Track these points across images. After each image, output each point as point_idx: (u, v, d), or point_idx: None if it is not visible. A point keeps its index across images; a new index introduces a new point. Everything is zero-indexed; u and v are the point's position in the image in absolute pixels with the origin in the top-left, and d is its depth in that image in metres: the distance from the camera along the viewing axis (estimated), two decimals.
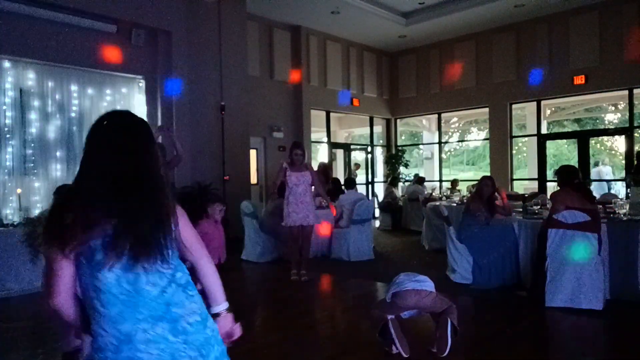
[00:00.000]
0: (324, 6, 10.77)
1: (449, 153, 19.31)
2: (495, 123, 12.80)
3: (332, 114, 13.33)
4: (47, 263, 1.46)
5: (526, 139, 14.54)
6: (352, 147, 15.33)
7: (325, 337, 4.21)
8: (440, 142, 14.88)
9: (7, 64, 6.98)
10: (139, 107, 8.34)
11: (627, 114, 11.29)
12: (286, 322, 4.56)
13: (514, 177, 12.99)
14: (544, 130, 12.66)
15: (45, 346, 3.82)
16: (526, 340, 3.93)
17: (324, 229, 7.16)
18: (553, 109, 14.90)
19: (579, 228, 4.54)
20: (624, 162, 12.12)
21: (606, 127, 16.40)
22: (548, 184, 11.97)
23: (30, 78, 7.20)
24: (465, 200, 7.22)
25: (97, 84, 7.87)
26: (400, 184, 13.83)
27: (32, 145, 7.22)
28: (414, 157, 17.40)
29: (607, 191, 11.05)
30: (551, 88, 11.72)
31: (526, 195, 9.02)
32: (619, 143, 15.86)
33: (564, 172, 4.97)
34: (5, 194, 6.90)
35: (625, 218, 5.14)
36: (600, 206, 5.40)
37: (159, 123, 8.25)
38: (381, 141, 15.25)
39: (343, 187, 8.80)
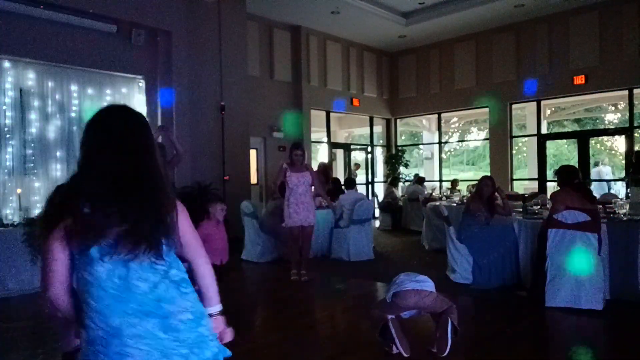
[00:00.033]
0: (324, 6, 10.77)
1: (449, 153, 19.32)
2: (495, 123, 12.80)
3: (332, 114, 13.33)
4: (42, 255, 1.47)
5: (526, 139, 14.54)
6: (352, 147, 15.33)
7: (325, 337, 4.21)
8: (440, 142, 14.89)
9: (7, 64, 6.97)
10: (139, 107, 8.33)
11: (627, 114, 11.29)
12: (286, 322, 4.56)
13: (514, 177, 12.99)
14: (544, 130, 12.65)
15: (45, 346, 3.82)
16: (526, 340, 3.93)
17: None
18: (553, 109, 14.90)
19: (579, 228, 4.54)
20: (624, 162, 12.13)
21: (606, 127, 16.39)
22: (548, 184, 11.97)
23: (30, 78, 7.20)
24: (465, 200, 7.22)
25: (97, 84, 7.87)
26: (401, 184, 13.83)
27: (32, 145, 7.21)
28: (414, 157, 17.40)
29: (607, 191, 11.05)
30: (551, 88, 11.73)
31: (526, 195, 9.02)
32: (619, 143, 15.86)
33: (564, 172, 4.97)
34: (5, 194, 6.90)
35: (625, 218, 5.15)
36: (600, 206, 5.40)
37: (159, 123, 8.25)
38: (381, 141, 15.25)
39: (343, 187, 8.81)
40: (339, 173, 14.03)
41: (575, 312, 4.46)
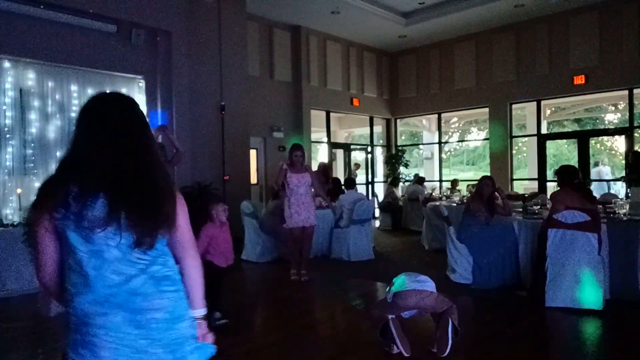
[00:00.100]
0: (324, 6, 10.77)
1: (449, 153, 19.31)
2: (495, 123, 12.80)
3: (332, 114, 13.34)
4: (33, 238, 1.47)
5: (526, 139, 14.54)
6: (352, 147, 15.33)
7: (325, 337, 4.21)
8: (440, 142, 14.89)
9: (7, 64, 6.97)
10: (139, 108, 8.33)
11: (627, 114, 11.30)
12: (286, 322, 4.56)
13: (514, 177, 13.00)
14: (544, 130, 12.66)
15: (45, 346, 3.82)
16: (526, 340, 3.93)
17: None
18: (553, 109, 14.90)
19: (579, 228, 4.54)
20: (623, 162, 12.12)
21: (606, 127, 16.39)
22: (548, 184, 11.98)
23: (30, 78, 7.19)
24: (465, 200, 7.22)
25: (97, 84, 7.86)
26: (401, 184, 13.83)
27: (32, 145, 7.21)
28: (414, 157, 17.40)
29: (607, 191, 11.05)
30: (551, 88, 11.73)
31: (526, 195, 9.02)
32: (619, 143, 15.86)
33: (564, 172, 4.97)
34: (5, 194, 6.90)
35: (625, 218, 5.15)
36: (600, 206, 5.41)
37: (159, 123, 8.24)
38: (381, 141, 15.25)
39: (343, 187, 8.81)
40: (339, 173, 14.04)
41: (575, 312, 4.46)
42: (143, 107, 8.39)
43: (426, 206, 8.57)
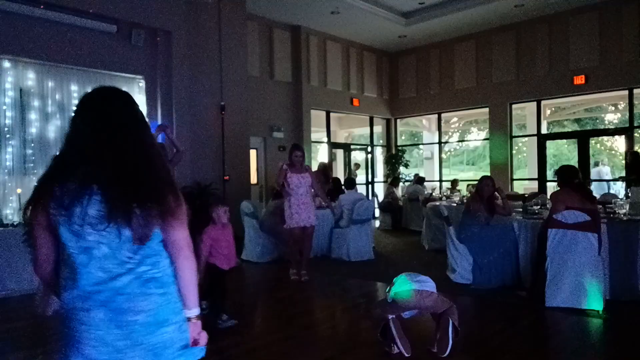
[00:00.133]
0: (324, 6, 10.77)
1: (449, 153, 19.31)
2: (495, 123, 12.80)
3: (332, 114, 13.34)
4: (30, 233, 1.49)
5: (526, 139, 14.54)
6: (352, 147, 15.33)
7: (325, 337, 4.21)
8: (440, 142, 14.89)
9: (7, 64, 6.97)
10: (139, 107, 8.33)
11: (627, 114, 11.30)
12: (286, 322, 4.56)
13: (514, 177, 13.00)
14: (544, 130, 12.66)
15: (46, 346, 3.82)
16: (526, 340, 3.93)
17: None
18: (553, 109, 14.90)
19: (579, 228, 4.54)
20: (624, 162, 12.11)
21: (606, 127, 16.39)
22: (548, 184, 11.98)
23: (30, 78, 7.20)
24: (465, 200, 7.22)
25: (97, 84, 7.74)
26: (401, 184, 13.84)
27: (32, 145, 7.21)
28: (414, 157, 17.40)
29: (607, 191, 11.06)
30: (551, 88, 11.73)
31: (526, 195, 9.02)
32: (619, 143, 15.86)
33: (564, 172, 4.97)
34: (5, 194, 6.90)
35: (625, 218, 5.15)
36: (600, 206, 5.40)
37: (159, 123, 8.24)
38: (381, 141, 15.25)
39: (343, 187, 8.81)
40: (339, 173, 14.04)
41: (575, 312, 4.46)
42: (143, 107, 8.40)
43: (426, 206, 8.57)
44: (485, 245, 5.58)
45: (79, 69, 7.63)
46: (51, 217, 1.41)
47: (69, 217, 1.40)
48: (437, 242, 7.88)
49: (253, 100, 10.53)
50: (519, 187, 12.99)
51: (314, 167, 9.59)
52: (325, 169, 9.36)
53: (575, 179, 4.87)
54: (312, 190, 6.21)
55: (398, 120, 15.18)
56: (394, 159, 14.29)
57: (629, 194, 6.53)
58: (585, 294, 4.53)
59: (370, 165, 14.63)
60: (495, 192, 5.89)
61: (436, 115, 14.44)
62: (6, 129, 6.94)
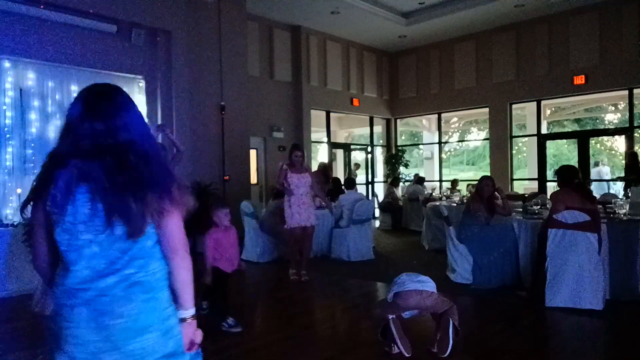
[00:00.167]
0: (324, 6, 10.77)
1: (449, 153, 19.31)
2: (495, 123, 12.80)
3: (332, 114, 13.34)
4: (30, 231, 1.52)
5: (526, 139, 14.54)
6: (352, 147, 15.33)
7: (325, 337, 4.21)
8: (440, 142, 14.89)
9: (7, 64, 6.97)
10: (139, 107, 8.33)
11: (627, 114, 11.30)
12: (286, 322, 4.56)
13: (514, 177, 13.00)
14: (544, 130, 12.66)
15: (45, 346, 3.81)
16: (526, 340, 3.93)
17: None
18: (553, 109, 14.90)
19: (579, 228, 4.54)
20: (624, 162, 12.11)
21: (606, 127, 16.40)
22: (548, 184, 11.98)
23: (30, 78, 7.19)
24: (465, 200, 7.22)
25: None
26: (401, 184, 13.84)
27: (32, 145, 7.20)
28: (414, 157, 17.40)
29: (607, 191, 11.06)
30: (551, 88, 11.73)
31: (526, 195, 9.02)
32: (619, 143, 15.86)
33: (564, 172, 4.97)
34: (5, 194, 6.90)
35: (625, 218, 5.15)
36: (600, 206, 5.40)
37: (159, 122, 8.24)
38: (381, 141, 15.25)
39: (343, 187, 8.81)
40: (339, 173, 14.04)
41: (575, 312, 4.46)
42: (143, 107, 8.39)
43: (426, 206, 8.57)
44: (485, 245, 5.58)
45: (79, 69, 7.62)
46: (48, 215, 1.42)
47: (62, 215, 1.40)
48: (437, 242, 7.88)
49: (253, 100, 10.53)
50: (519, 187, 12.99)
51: (314, 167, 9.60)
52: (325, 169, 9.36)
53: (575, 179, 4.87)
54: (312, 190, 6.21)
55: (398, 120, 15.18)
56: (394, 159, 14.29)
57: (629, 194, 6.53)
58: (585, 294, 4.53)
59: (370, 165, 14.63)
60: (495, 192, 5.89)
61: (436, 115, 14.44)
62: (6, 129, 6.93)
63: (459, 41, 13.19)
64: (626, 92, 11.07)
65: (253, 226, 7.48)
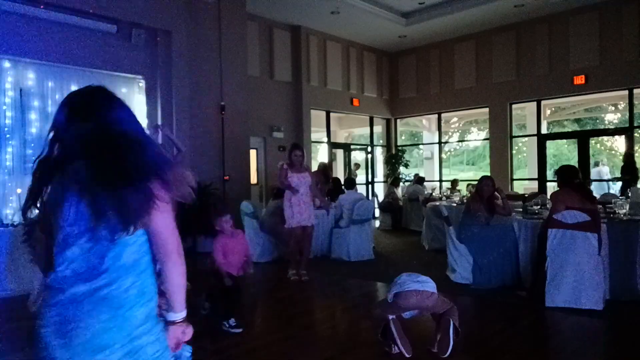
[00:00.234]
0: (324, 6, 10.77)
1: (449, 153, 19.31)
2: (495, 123, 12.80)
3: (332, 114, 13.34)
4: (30, 232, 1.57)
5: (526, 139, 14.54)
6: (352, 147, 15.33)
7: (325, 337, 4.21)
8: (440, 142, 14.89)
9: (7, 64, 6.97)
10: (139, 107, 8.34)
11: (627, 114, 11.30)
12: (286, 322, 4.56)
13: (514, 177, 13.00)
14: (544, 130, 12.66)
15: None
16: (526, 340, 3.93)
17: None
18: (553, 109, 14.90)
19: (579, 228, 4.54)
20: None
21: (606, 127, 16.40)
22: (548, 184, 11.98)
23: (30, 78, 7.19)
24: (465, 200, 7.22)
25: (97, 84, 7.83)
26: (401, 184, 13.84)
27: (32, 145, 7.21)
28: (414, 157, 17.40)
29: (607, 191, 11.06)
30: (551, 88, 11.73)
31: (526, 195, 9.02)
32: (619, 143, 15.86)
33: (564, 172, 4.97)
34: (5, 194, 6.90)
35: (625, 218, 5.15)
36: (600, 206, 5.40)
37: (159, 122, 8.24)
38: (381, 141, 15.25)
39: (343, 187, 8.80)
40: (339, 173, 14.04)
41: (575, 312, 4.46)
42: (143, 107, 8.39)
43: (426, 206, 8.57)
44: (485, 245, 5.58)
45: (79, 69, 7.62)
46: (46, 217, 1.45)
47: (55, 217, 1.42)
48: (437, 242, 7.88)
49: (253, 100, 10.53)
50: (519, 187, 12.99)
51: (314, 167, 9.60)
52: (325, 169, 9.36)
53: (575, 179, 4.87)
54: (311, 190, 6.20)
55: (398, 120, 15.18)
56: (394, 159, 14.29)
57: (629, 194, 6.54)
58: (585, 294, 4.52)
59: (370, 165, 14.63)
60: (495, 192, 5.89)
61: (436, 115, 14.44)
62: (6, 129, 6.94)
63: (459, 41, 13.19)
64: (626, 92, 11.07)
65: (253, 226, 7.48)
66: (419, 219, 10.01)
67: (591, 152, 13.22)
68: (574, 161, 13.30)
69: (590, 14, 11.02)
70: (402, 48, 14.21)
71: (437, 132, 14.78)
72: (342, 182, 9.33)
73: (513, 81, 12.32)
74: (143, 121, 8.16)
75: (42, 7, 7.01)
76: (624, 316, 4.45)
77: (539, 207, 5.90)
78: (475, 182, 6.36)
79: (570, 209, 4.60)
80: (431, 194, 10.58)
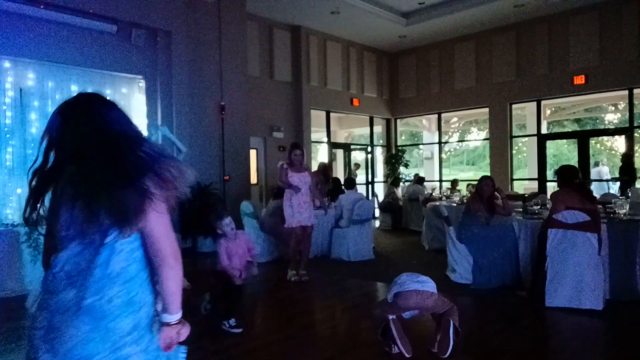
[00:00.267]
0: (324, 6, 10.77)
1: (449, 153, 19.31)
2: (495, 123, 12.80)
3: (332, 114, 13.34)
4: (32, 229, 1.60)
5: (526, 139, 14.54)
6: (352, 147, 15.33)
7: (325, 337, 4.21)
8: (440, 142, 14.89)
9: (7, 64, 6.97)
10: (139, 107, 8.34)
11: (627, 114, 11.30)
12: (286, 322, 4.56)
13: (514, 177, 13.00)
14: (544, 130, 12.66)
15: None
16: (526, 340, 3.93)
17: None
18: (553, 109, 14.90)
19: (579, 228, 4.54)
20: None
21: (606, 127, 16.40)
22: (548, 184, 11.98)
23: (30, 78, 7.19)
24: (465, 200, 7.22)
25: (97, 84, 7.86)
26: (401, 184, 13.84)
27: (32, 145, 7.21)
28: (414, 157, 17.40)
29: (607, 191, 11.06)
30: (551, 88, 11.73)
31: (526, 195, 9.02)
32: (619, 143, 15.87)
33: (564, 172, 4.97)
34: (5, 194, 6.90)
35: (625, 218, 5.15)
36: (600, 206, 5.40)
37: (159, 123, 8.25)
38: (381, 141, 15.25)
39: (343, 187, 8.80)
40: (339, 173, 14.04)
41: (575, 312, 4.46)
42: (143, 107, 8.39)
43: (426, 206, 8.57)
44: (485, 245, 5.58)
45: (79, 69, 7.63)
46: (47, 222, 1.49)
47: (52, 222, 1.45)
48: (437, 242, 7.88)
49: (253, 100, 10.53)
50: (519, 187, 12.99)
51: (314, 167, 9.60)
52: (325, 169, 9.35)
53: (575, 179, 4.87)
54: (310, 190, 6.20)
55: (398, 120, 15.18)
56: (394, 159, 14.29)
57: (629, 194, 6.54)
58: (585, 294, 4.53)
59: (370, 165, 14.63)
60: (495, 192, 5.89)
61: (436, 115, 14.44)
62: (6, 129, 6.94)
63: (459, 41, 13.19)
64: (626, 92, 11.07)
65: (253, 226, 7.48)
66: (419, 219, 10.01)
67: (591, 152, 13.22)
68: (574, 161, 13.30)
69: (590, 14, 11.02)
70: (402, 48, 14.21)
71: (437, 132, 14.78)
72: (342, 182, 9.33)
73: (513, 81, 12.32)
74: (143, 121, 8.17)
75: (42, 7, 7.02)
76: (624, 316, 4.45)
77: (539, 207, 5.90)
78: (475, 182, 6.36)
79: (570, 209, 4.60)
80: (431, 194, 10.58)
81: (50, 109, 7.35)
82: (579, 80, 11.20)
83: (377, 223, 11.63)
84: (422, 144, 16.58)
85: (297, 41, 12.01)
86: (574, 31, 11.28)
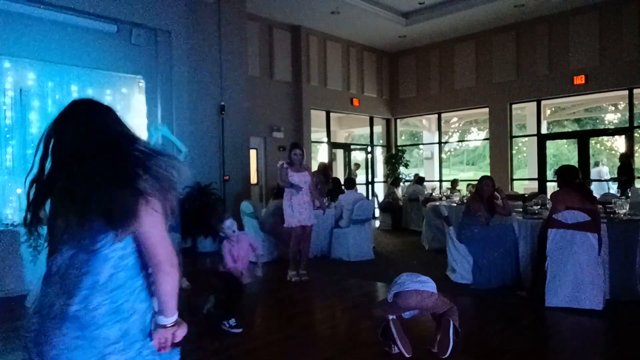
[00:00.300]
0: (324, 6, 10.77)
1: (449, 153, 19.32)
2: (495, 123, 12.80)
3: (332, 114, 13.34)
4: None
5: (526, 139, 14.55)
6: (352, 147, 15.33)
7: (325, 337, 4.21)
8: (440, 142, 14.89)
9: (7, 64, 6.97)
10: (139, 107, 8.34)
11: (627, 114, 11.30)
12: (286, 322, 4.56)
13: (514, 177, 13.00)
14: (544, 130, 12.67)
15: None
16: (526, 340, 3.93)
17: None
18: (553, 109, 14.90)
19: (579, 228, 4.54)
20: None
21: (606, 127, 16.40)
22: (548, 184, 11.98)
23: (30, 78, 7.19)
24: (465, 200, 7.22)
25: (97, 84, 7.86)
26: (401, 184, 13.84)
27: (32, 145, 7.19)
28: (414, 157, 17.40)
29: (607, 191, 11.06)
30: (551, 88, 11.73)
31: (526, 195, 9.02)
32: (619, 143, 15.87)
33: (564, 172, 4.97)
34: (5, 194, 6.90)
35: (625, 218, 5.15)
36: (600, 206, 5.40)
37: (159, 123, 8.24)
38: (381, 141, 15.26)
39: (343, 187, 8.80)
40: (339, 173, 14.04)
41: (575, 312, 4.46)
42: (143, 107, 8.39)
43: (426, 206, 8.57)
44: (485, 245, 5.58)
45: (79, 69, 7.62)
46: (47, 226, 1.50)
47: (50, 227, 1.47)
48: (437, 242, 7.88)
49: (253, 100, 10.53)
50: (519, 187, 13.00)
51: (314, 167, 9.60)
52: (325, 169, 9.36)
53: (575, 179, 4.87)
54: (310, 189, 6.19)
55: (398, 120, 15.18)
56: (394, 159, 14.29)
57: (629, 194, 6.54)
58: (585, 294, 4.52)
59: (370, 165, 14.63)
60: (495, 192, 5.89)
61: (436, 115, 14.44)
62: (6, 129, 6.94)
63: (459, 41, 13.19)
64: (626, 92, 11.07)
65: (253, 226, 7.47)
66: (419, 219, 10.01)
67: (591, 152, 13.23)
68: (574, 161, 13.31)
69: (590, 14, 11.02)
70: (402, 48, 14.22)
71: (437, 132, 14.79)
72: (342, 182, 9.33)
73: (513, 81, 12.32)
74: (143, 121, 8.17)
75: (42, 7, 7.02)
76: (624, 316, 4.45)
77: (539, 207, 5.90)
78: (475, 182, 6.36)
79: (570, 209, 4.60)
80: (431, 194, 10.58)
81: (50, 109, 7.36)
82: (579, 80, 11.20)
83: (377, 223, 11.63)
84: (422, 144, 16.58)
85: (297, 41, 12.01)
86: (574, 31, 11.28)
